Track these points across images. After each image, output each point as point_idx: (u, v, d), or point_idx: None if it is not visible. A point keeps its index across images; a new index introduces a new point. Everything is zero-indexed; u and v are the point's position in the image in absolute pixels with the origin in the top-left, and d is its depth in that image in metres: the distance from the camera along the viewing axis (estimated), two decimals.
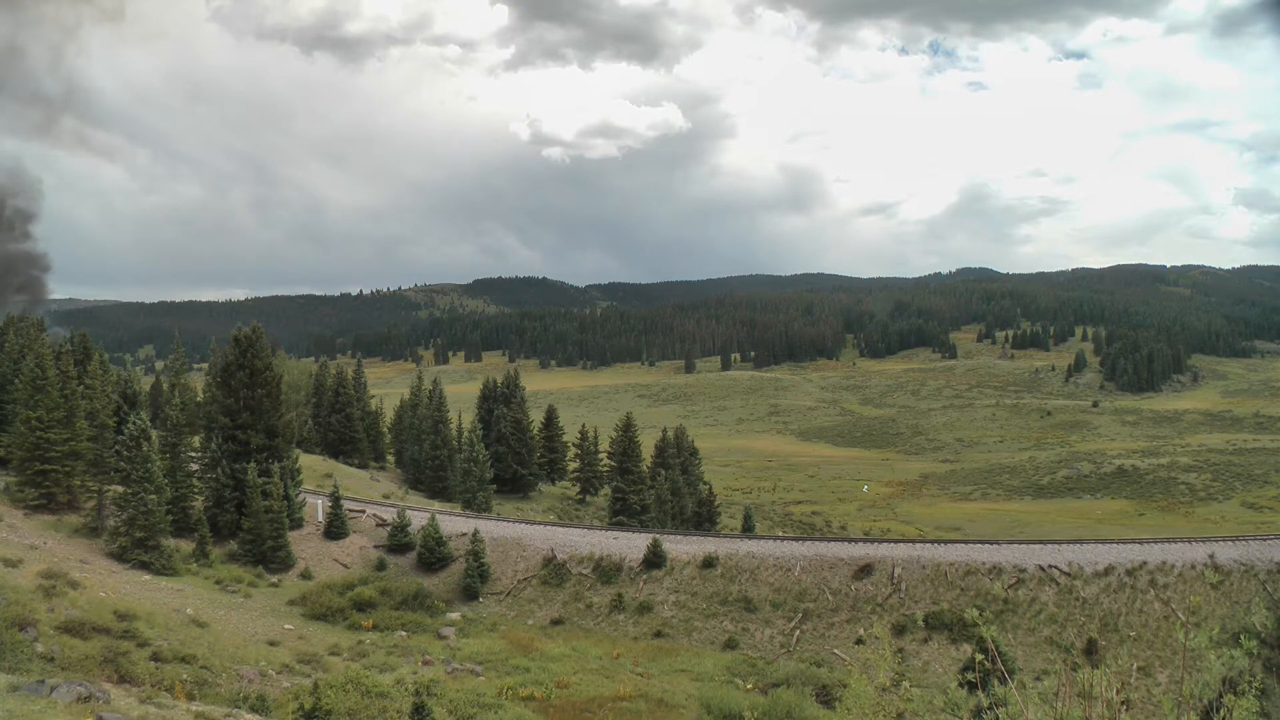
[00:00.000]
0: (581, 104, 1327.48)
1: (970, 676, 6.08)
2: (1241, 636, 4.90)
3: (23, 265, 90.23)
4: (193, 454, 43.04)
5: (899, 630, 32.51)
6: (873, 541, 43.11)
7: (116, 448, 37.03)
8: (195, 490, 41.35)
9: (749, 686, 27.78)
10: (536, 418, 76.16)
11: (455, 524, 43.30)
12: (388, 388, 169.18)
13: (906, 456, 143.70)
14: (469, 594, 37.56)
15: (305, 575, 38.03)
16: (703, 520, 62.18)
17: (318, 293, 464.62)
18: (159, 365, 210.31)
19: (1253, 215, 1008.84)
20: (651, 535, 40.71)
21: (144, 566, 33.87)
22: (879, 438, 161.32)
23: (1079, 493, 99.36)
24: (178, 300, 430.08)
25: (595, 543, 40.50)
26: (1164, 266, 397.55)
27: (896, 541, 42.85)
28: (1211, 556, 33.86)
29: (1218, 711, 4.87)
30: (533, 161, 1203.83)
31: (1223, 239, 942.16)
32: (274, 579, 37.28)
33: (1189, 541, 37.22)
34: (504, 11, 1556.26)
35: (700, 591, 36.33)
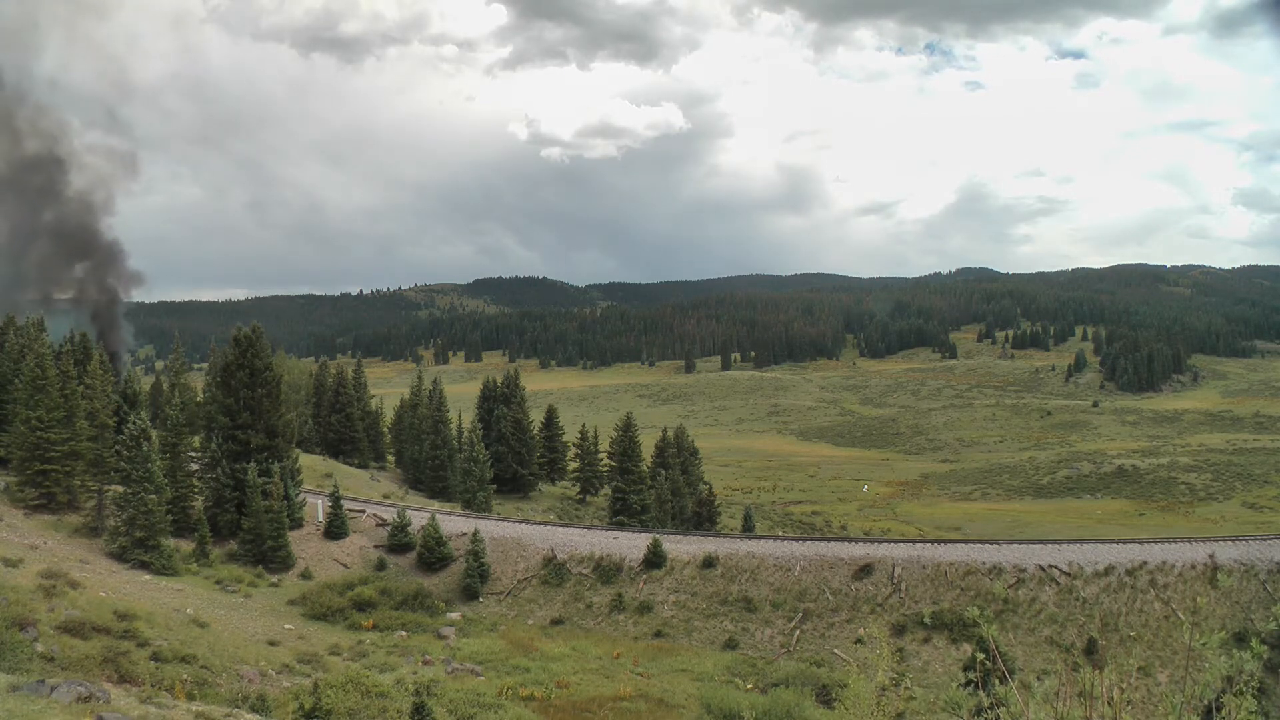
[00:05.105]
0: (580, 104, 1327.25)
1: (971, 676, 6.07)
2: (1253, 640, 4.88)
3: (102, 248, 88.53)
4: (193, 454, 43.04)
5: (899, 630, 32.51)
6: (873, 541, 43.08)
7: (116, 448, 37.04)
8: (195, 490, 41.39)
9: (749, 686, 27.78)
10: (536, 418, 76.11)
11: (455, 524, 43.29)
12: (388, 388, 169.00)
13: (906, 456, 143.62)
14: (469, 594, 37.56)
15: (305, 575, 38.02)
16: (703, 520, 62.16)
17: (318, 293, 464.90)
18: (159, 365, 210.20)
19: (1252, 215, 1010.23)
20: (651, 535, 40.71)
21: (144, 566, 33.90)
22: (879, 438, 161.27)
23: (1079, 493, 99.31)
24: (178, 300, 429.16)
25: (595, 543, 40.48)
26: (1164, 266, 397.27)
27: (896, 541, 42.83)
28: (1211, 556, 33.85)
29: (1219, 711, 4.86)
30: (531, 161, 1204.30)
31: (1222, 239, 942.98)
32: (274, 579, 37.28)
33: (1189, 541, 37.20)
34: (501, 11, 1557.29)
35: (700, 591, 36.31)
